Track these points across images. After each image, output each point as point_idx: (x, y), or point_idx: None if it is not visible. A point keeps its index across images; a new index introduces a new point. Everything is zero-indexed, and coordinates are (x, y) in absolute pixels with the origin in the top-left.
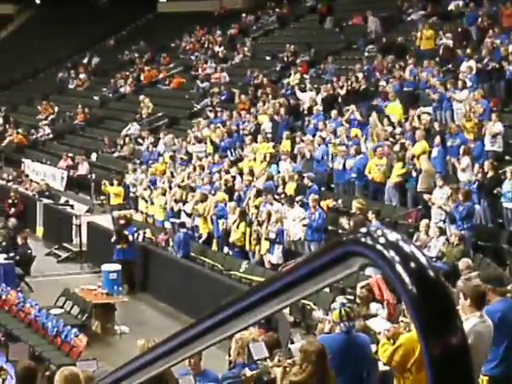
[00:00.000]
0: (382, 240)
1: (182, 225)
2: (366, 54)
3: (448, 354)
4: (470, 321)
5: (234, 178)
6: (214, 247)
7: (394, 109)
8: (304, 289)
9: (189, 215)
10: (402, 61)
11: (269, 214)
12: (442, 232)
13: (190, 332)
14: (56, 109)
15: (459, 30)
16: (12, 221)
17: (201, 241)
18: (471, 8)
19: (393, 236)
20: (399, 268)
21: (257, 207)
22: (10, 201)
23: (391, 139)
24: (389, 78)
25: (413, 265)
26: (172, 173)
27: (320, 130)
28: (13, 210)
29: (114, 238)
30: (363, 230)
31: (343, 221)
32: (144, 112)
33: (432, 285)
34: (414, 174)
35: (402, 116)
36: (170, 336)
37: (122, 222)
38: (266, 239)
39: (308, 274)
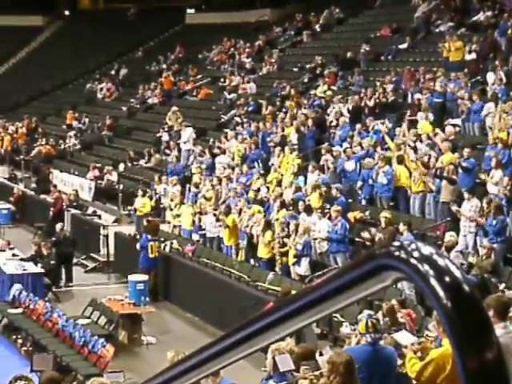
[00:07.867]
0: (415, 254)
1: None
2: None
3: (484, 369)
4: None
5: (267, 189)
6: (240, 258)
7: (426, 126)
8: (336, 302)
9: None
10: (431, 73)
11: (296, 226)
12: (474, 244)
13: (219, 345)
14: (86, 120)
15: (488, 41)
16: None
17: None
18: (505, 18)
19: (426, 250)
20: (434, 282)
21: (282, 218)
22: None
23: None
24: (418, 89)
25: (447, 279)
26: (198, 184)
27: (347, 141)
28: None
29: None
30: (396, 243)
31: (365, 235)
32: (170, 123)
33: (467, 299)
34: (433, 187)
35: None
36: (200, 348)
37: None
38: (294, 253)
39: (340, 287)
